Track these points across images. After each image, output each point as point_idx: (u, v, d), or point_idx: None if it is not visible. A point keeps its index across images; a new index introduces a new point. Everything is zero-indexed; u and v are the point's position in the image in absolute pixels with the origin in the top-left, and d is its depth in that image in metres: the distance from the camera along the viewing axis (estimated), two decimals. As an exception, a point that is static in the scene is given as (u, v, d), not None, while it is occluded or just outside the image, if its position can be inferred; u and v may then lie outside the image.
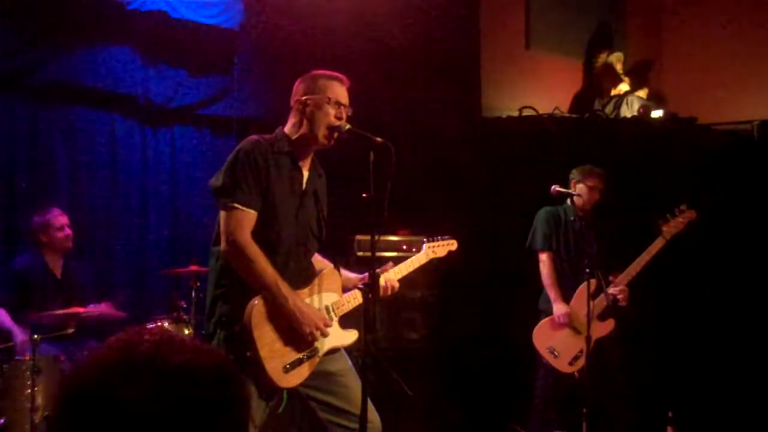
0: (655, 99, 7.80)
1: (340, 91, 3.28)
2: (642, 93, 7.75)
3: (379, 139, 3.17)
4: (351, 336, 3.37)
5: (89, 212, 5.54)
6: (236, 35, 5.88)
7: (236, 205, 3.06)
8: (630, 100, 7.49)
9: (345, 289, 3.41)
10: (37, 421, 4.32)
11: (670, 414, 5.04)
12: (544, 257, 5.11)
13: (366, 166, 3.13)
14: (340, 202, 3.75)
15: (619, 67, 7.84)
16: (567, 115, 7.23)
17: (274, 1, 5.95)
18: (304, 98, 3.26)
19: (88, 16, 5.33)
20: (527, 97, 7.01)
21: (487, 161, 6.23)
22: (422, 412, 5.50)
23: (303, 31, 5.93)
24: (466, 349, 5.96)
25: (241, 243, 3.03)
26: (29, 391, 4.34)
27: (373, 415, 3.24)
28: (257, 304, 3.04)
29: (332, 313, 3.31)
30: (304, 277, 3.27)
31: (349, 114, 3.29)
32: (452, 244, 3.87)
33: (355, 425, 3.14)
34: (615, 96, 7.65)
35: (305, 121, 3.25)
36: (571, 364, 4.89)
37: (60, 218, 5.04)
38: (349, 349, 5.19)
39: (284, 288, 3.07)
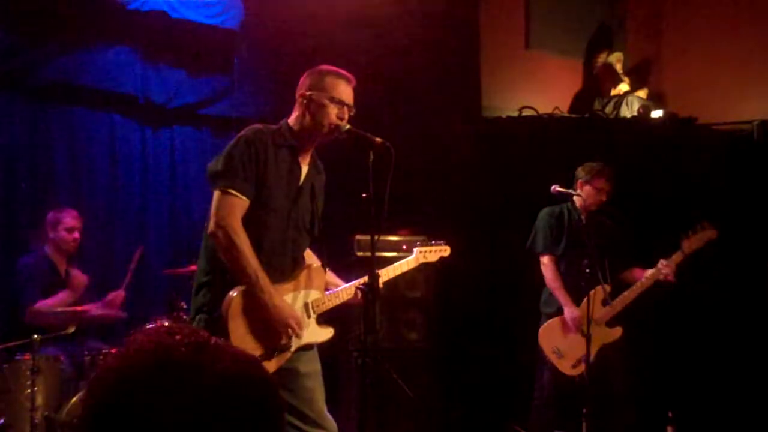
0: (655, 99, 7.79)
1: (344, 90, 3.29)
2: (642, 93, 7.74)
3: (378, 140, 3.17)
4: (326, 333, 3.37)
5: (89, 212, 5.53)
6: (236, 35, 5.89)
7: (231, 190, 3.07)
8: (630, 100, 7.48)
9: (327, 289, 3.40)
10: (36, 421, 4.32)
11: (670, 414, 5.05)
12: (545, 260, 5.05)
13: (366, 166, 3.13)
14: (340, 202, 3.75)
15: (619, 67, 7.83)
16: (567, 115, 7.23)
17: (274, 1, 5.95)
18: (308, 93, 3.27)
19: (88, 16, 5.34)
20: (527, 97, 7.00)
21: (487, 161, 6.22)
22: (422, 412, 5.50)
23: (303, 31, 5.93)
24: (466, 349, 5.96)
25: (230, 227, 3.03)
26: (29, 391, 4.33)
27: (329, 423, 3.25)
28: (235, 296, 3.05)
29: (311, 310, 3.31)
30: (289, 271, 3.25)
31: (352, 114, 3.29)
32: (444, 250, 3.83)
33: (310, 429, 3.16)
34: (615, 96, 7.64)
35: (308, 116, 3.26)
36: (574, 366, 4.87)
37: (73, 220, 5.04)
38: (349, 350, 5.21)
39: (263, 281, 3.07)
